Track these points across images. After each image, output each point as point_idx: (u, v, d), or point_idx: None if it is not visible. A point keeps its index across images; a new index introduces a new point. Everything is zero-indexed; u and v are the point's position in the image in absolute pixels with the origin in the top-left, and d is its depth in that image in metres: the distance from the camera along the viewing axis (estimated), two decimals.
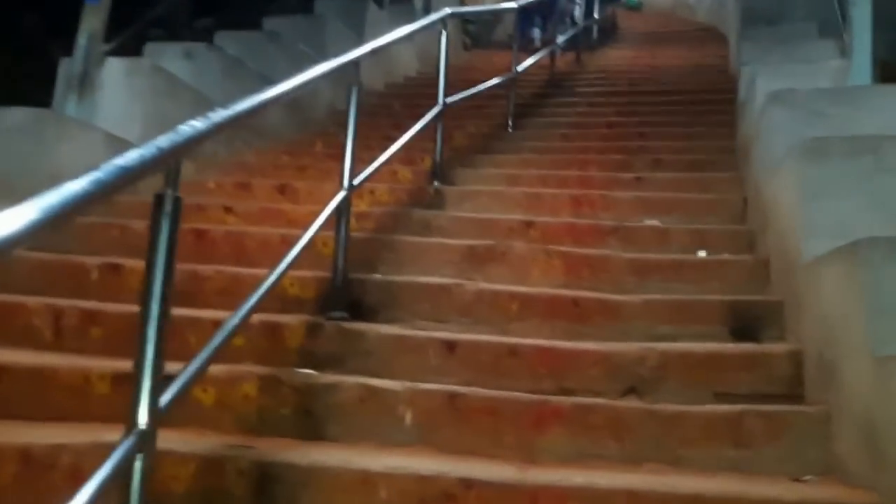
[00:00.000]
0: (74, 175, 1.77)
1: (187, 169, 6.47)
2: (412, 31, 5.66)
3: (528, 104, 8.87)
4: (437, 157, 6.11)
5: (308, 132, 8.02)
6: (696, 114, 8.12)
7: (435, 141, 6.14)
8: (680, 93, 9.12)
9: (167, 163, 2.26)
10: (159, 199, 2.25)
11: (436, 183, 6.04)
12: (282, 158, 7.11)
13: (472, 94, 7.05)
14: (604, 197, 5.67)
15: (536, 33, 12.81)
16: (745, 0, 7.68)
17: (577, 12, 12.51)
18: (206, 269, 4.23)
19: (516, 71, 8.09)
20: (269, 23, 8.95)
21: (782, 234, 4.20)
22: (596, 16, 13.38)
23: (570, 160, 6.74)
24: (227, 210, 5.48)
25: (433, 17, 6.13)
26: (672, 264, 4.58)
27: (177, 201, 2.27)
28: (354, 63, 4.31)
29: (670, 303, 4.14)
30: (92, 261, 4.32)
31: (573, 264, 4.57)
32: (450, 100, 6.27)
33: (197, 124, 2.41)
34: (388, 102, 9.53)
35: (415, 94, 9.66)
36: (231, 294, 3.94)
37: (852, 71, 5.78)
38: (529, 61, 8.77)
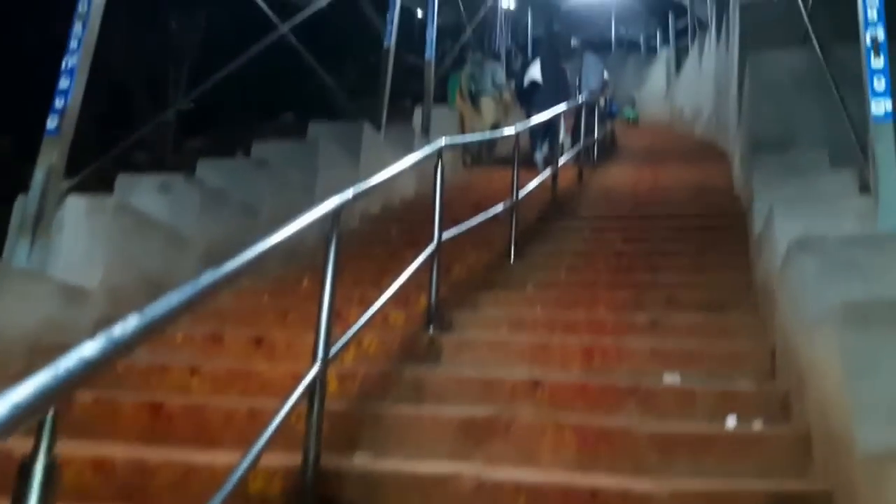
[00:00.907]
0: None
1: None
2: (405, 168, 5.01)
3: (531, 229, 8.23)
4: (433, 300, 5.43)
5: (295, 266, 7.36)
6: (706, 242, 7.49)
7: (430, 279, 5.46)
8: (687, 217, 8.50)
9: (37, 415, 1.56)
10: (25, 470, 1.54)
11: (431, 329, 5.35)
12: (262, 300, 6.43)
13: (472, 225, 6.39)
14: (617, 346, 4.96)
15: (538, 157, 12.28)
16: (750, 124, 7.07)
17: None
18: (156, 457, 3.49)
19: (517, 197, 7.45)
20: (258, 149, 8.37)
21: (825, 408, 3.53)
22: (596, 133, 12.84)
23: (577, 297, 6.05)
24: (193, 372, 4.79)
25: (428, 149, 5.52)
26: (700, 440, 3.85)
27: (49, 469, 1.56)
28: (334, 213, 3.64)
29: (703, 495, 3.40)
30: None
31: (588, 439, 3.85)
32: (446, 235, 5.62)
33: (87, 352, 1.71)
34: (384, 228, 8.91)
35: (413, 219, 9.05)
36: (183, 489, 3.21)
37: (881, 214, 5.18)
38: (531, 186, 8.15)
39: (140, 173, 7.73)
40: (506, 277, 6.75)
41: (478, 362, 4.97)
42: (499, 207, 7.09)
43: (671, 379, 4.66)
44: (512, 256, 7.27)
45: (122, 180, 6.93)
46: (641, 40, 26.36)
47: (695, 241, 7.56)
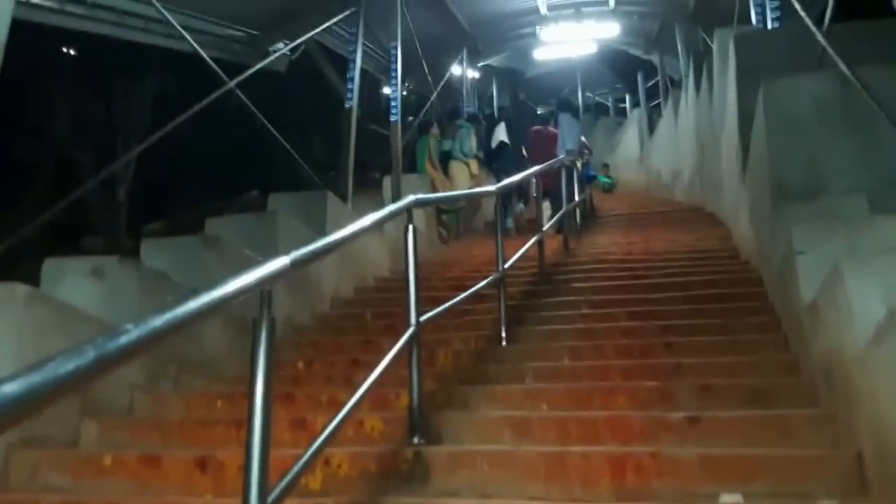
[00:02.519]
0: None
1: (89, 430, 4.67)
2: (368, 226, 3.91)
3: (521, 306, 7.17)
4: (415, 401, 4.31)
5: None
6: (725, 316, 6.44)
7: (410, 373, 4.35)
8: (696, 286, 7.46)
9: None
10: None
11: (415, 439, 4.22)
12: (215, 406, 5.29)
13: (454, 304, 5.31)
14: (654, 456, 3.83)
15: (510, 223, 11.29)
16: (770, 168, 6.03)
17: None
18: None
19: (503, 269, 6.38)
20: (211, 225, 7.27)
21: None
22: (577, 197, 11.85)
23: (590, 390, 4.95)
24: None
25: (394, 206, 4.45)
26: None
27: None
28: (262, 287, 2.56)
29: None
30: None
31: None
32: (425, 318, 4.53)
33: None
34: (357, 312, 7.84)
35: (388, 300, 7.98)
36: None
37: None
38: (517, 255, 7.09)
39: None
40: (499, 367, 5.66)
41: (477, 484, 3.85)
42: (485, 282, 6.00)
43: (731, 500, 3.56)
44: (504, 339, 6.18)
45: (49, 265, 5.83)
46: (610, 103, 25.71)
47: (711, 314, 6.51)
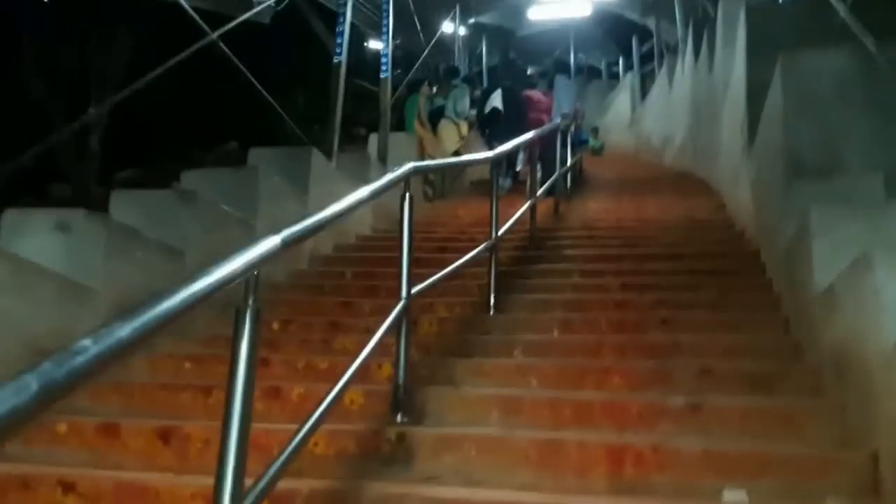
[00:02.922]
0: None
1: None
2: (363, 198, 3.58)
3: (510, 273, 6.86)
4: (400, 377, 4.02)
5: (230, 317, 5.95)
6: (722, 290, 6.16)
7: (397, 349, 4.06)
8: (690, 258, 7.18)
9: None
10: None
11: (399, 417, 3.94)
12: (183, 369, 4.98)
13: (448, 273, 5.01)
14: (654, 446, 3.56)
15: (508, 183, 10.99)
16: (788, 146, 5.73)
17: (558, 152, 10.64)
18: None
19: (497, 236, 6.07)
20: (187, 179, 6.91)
21: None
22: (570, 160, 11.52)
23: (582, 368, 4.67)
24: (67, 489, 3.32)
25: (392, 176, 4.11)
26: None
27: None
28: (248, 272, 2.25)
29: None
30: None
31: None
32: (416, 289, 4.23)
33: None
34: (337, 271, 7.50)
35: (370, 259, 7.68)
36: None
37: None
38: (510, 221, 6.77)
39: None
40: (489, 338, 5.37)
41: (464, 470, 3.57)
42: (478, 251, 5.69)
43: (735, 498, 3.29)
44: (492, 308, 5.89)
45: (10, 217, 5.46)
46: (603, 66, 25.27)
47: (707, 288, 6.23)
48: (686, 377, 4.49)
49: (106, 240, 5.16)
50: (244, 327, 2.28)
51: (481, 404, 4.17)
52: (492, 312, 5.87)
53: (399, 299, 4.04)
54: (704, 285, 6.34)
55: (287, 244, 2.49)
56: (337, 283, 7.11)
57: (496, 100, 12.67)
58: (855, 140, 5.61)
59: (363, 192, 3.59)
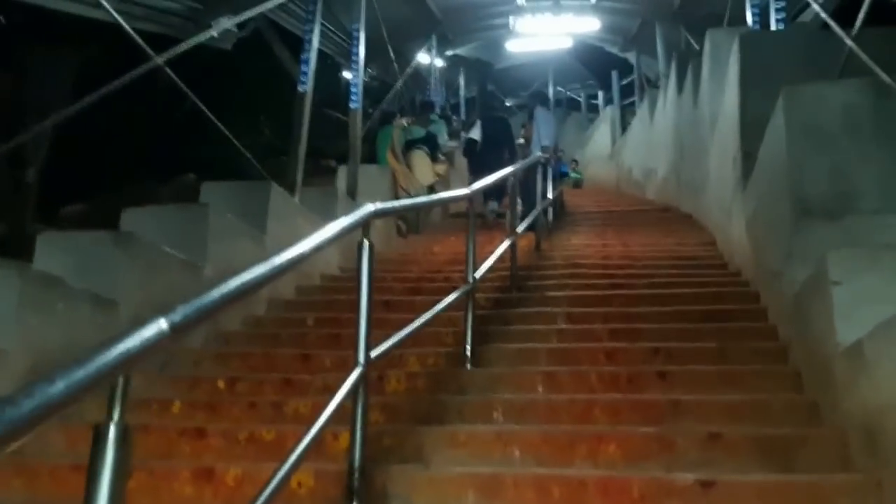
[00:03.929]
0: None
1: None
2: (306, 254, 2.92)
3: (488, 318, 6.24)
4: (357, 457, 3.35)
5: (172, 378, 5.30)
6: (721, 336, 5.60)
7: (354, 421, 3.40)
8: (684, 300, 6.57)
9: None
10: None
11: None
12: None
13: (415, 330, 4.35)
14: None
15: (493, 205, 10.42)
16: (794, 184, 5.13)
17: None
18: None
19: (474, 279, 5.44)
20: (128, 218, 6.22)
21: None
22: (550, 195, 10.92)
23: (572, 435, 4.03)
24: None
25: (349, 219, 3.46)
26: None
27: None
28: (112, 390, 1.60)
29: None
30: None
31: None
32: (377, 353, 3.58)
33: None
34: (297, 318, 6.82)
35: (336, 304, 7.01)
36: None
37: None
38: (489, 262, 6.14)
39: None
40: (463, 400, 4.70)
41: None
42: (450, 297, 5.04)
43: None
44: (468, 362, 5.24)
45: None
46: (582, 99, 24.84)
47: (706, 336, 5.63)
48: (691, 445, 3.87)
49: (20, 291, 4.46)
50: (104, 458, 1.62)
51: (455, 486, 3.51)
52: (468, 366, 5.23)
53: (355, 364, 3.39)
54: (702, 332, 5.74)
55: (177, 329, 1.83)
56: (296, 331, 6.43)
57: (475, 131, 12.22)
58: (867, 178, 5.04)
59: (309, 242, 2.94)
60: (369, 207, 3.62)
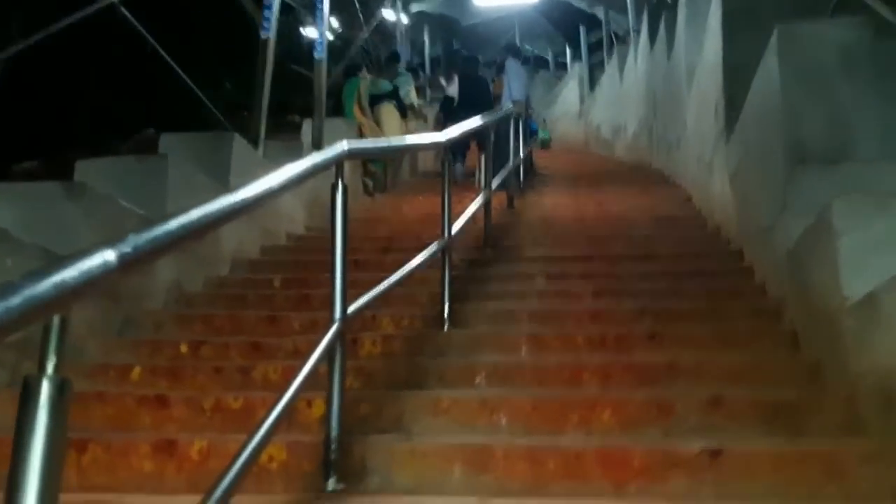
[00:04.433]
0: None
1: None
2: (275, 189, 2.58)
3: (464, 277, 5.92)
4: (333, 427, 3.04)
5: (131, 342, 4.96)
6: (710, 296, 5.39)
7: (330, 384, 3.08)
8: (666, 259, 6.35)
9: None
10: None
11: (331, 484, 2.96)
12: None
13: (393, 284, 4.04)
14: None
15: (459, 169, 10.09)
16: (789, 131, 4.83)
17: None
18: None
19: (450, 235, 5.12)
20: (83, 169, 5.82)
21: None
22: (522, 153, 10.58)
23: (563, 401, 3.73)
24: None
25: (319, 157, 3.11)
26: None
27: None
28: (46, 331, 1.26)
29: None
30: None
31: None
32: (354, 307, 3.25)
33: None
34: (263, 278, 6.45)
35: (303, 264, 6.66)
36: None
37: None
38: (463, 218, 5.82)
39: None
40: (442, 362, 4.39)
41: None
42: (426, 252, 4.71)
43: None
44: (446, 323, 4.92)
45: None
46: (550, 57, 24.43)
47: (694, 295, 5.38)
48: (691, 410, 3.59)
49: None
50: (36, 414, 1.29)
51: (439, 458, 3.20)
52: (446, 327, 4.91)
53: (331, 321, 3.06)
54: (688, 291, 5.49)
55: (126, 263, 1.50)
56: (263, 292, 6.07)
57: (452, 88, 11.90)
58: (866, 123, 4.76)
59: (278, 176, 2.60)
60: (343, 145, 3.27)
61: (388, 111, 11.15)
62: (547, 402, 3.72)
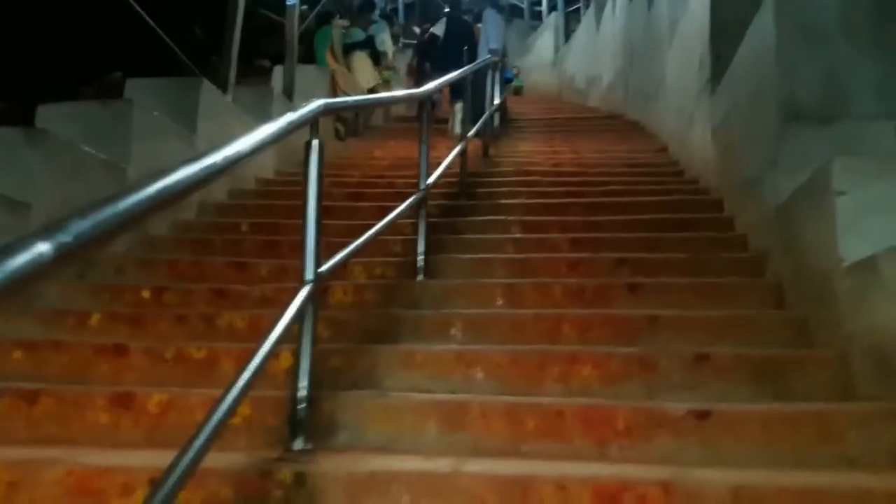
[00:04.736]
0: None
1: None
2: (245, 153, 2.31)
3: (438, 226, 5.71)
4: (302, 385, 2.84)
5: (91, 286, 4.73)
6: (690, 247, 5.20)
7: (299, 345, 2.87)
8: (645, 208, 6.13)
9: None
10: None
11: (299, 443, 2.76)
12: (10, 359, 3.67)
13: (368, 239, 3.82)
14: (666, 488, 2.45)
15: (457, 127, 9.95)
16: (783, 86, 4.61)
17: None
18: None
19: (427, 185, 4.90)
20: (43, 115, 5.52)
21: None
22: (497, 99, 10.30)
23: (542, 356, 3.55)
24: None
25: (294, 115, 2.84)
26: None
27: None
28: None
29: None
30: None
31: None
32: (327, 267, 3.04)
33: None
34: (231, 223, 6.21)
35: (273, 209, 6.42)
36: None
37: None
38: (440, 169, 5.58)
39: None
40: (417, 314, 4.19)
41: None
42: (402, 206, 4.50)
43: None
44: (420, 272, 4.72)
45: None
46: (525, 6, 24.00)
47: (674, 246, 5.20)
48: (675, 367, 3.42)
49: None
50: None
51: (413, 414, 3.01)
52: (420, 277, 4.72)
53: (303, 282, 2.84)
54: (667, 242, 5.31)
55: (64, 255, 1.25)
56: (230, 237, 5.82)
57: (438, 27, 11.58)
58: (862, 80, 4.56)
59: (241, 144, 2.32)
60: (318, 103, 3.02)
61: (361, 59, 10.87)
62: (525, 355, 3.54)
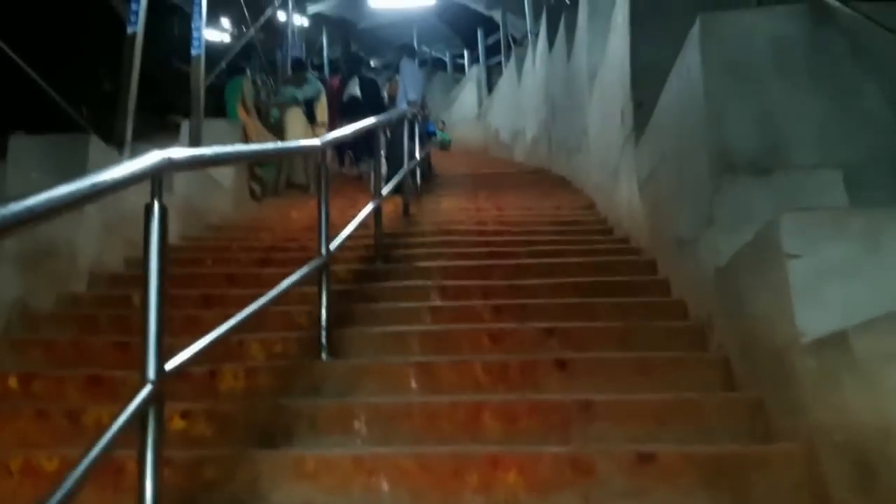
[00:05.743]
0: None
1: None
2: (38, 211, 1.69)
3: (349, 293, 5.11)
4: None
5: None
6: (625, 314, 4.70)
7: (142, 472, 2.24)
8: (574, 271, 5.58)
9: None
10: None
11: None
12: None
13: (227, 331, 3.17)
14: None
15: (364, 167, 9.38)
16: (715, 133, 4.12)
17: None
18: None
19: (328, 251, 4.28)
20: None
21: None
22: (418, 155, 9.74)
23: (458, 460, 2.93)
24: None
25: (127, 170, 2.22)
26: None
27: None
28: None
29: None
30: None
31: None
32: (172, 365, 2.42)
33: None
34: (123, 295, 5.47)
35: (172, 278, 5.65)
36: None
37: None
38: (348, 230, 4.97)
39: None
40: (315, 403, 3.54)
41: None
42: (295, 275, 3.87)
43: None
44: (324, 350, 4.08)
45: None
46: (448, 59, 23.73)
47: (607, 314, 4.67)
48: (616, 470, 2.83)
49: None
50: None
51: None
52: (324, 356, 4.07)
53: (143, 382, 2.19)
54: (599, 309, 4.76)
55: None
56: (118, 312, 5.10)
57: (353, 87, 11.07)
58: (802, 125, 4.09)
59: (38, 199, 1.70)
60: (162, 155, 2.39)
61: (295, 115, 10.30)
62: (438, 459, 2.91)
